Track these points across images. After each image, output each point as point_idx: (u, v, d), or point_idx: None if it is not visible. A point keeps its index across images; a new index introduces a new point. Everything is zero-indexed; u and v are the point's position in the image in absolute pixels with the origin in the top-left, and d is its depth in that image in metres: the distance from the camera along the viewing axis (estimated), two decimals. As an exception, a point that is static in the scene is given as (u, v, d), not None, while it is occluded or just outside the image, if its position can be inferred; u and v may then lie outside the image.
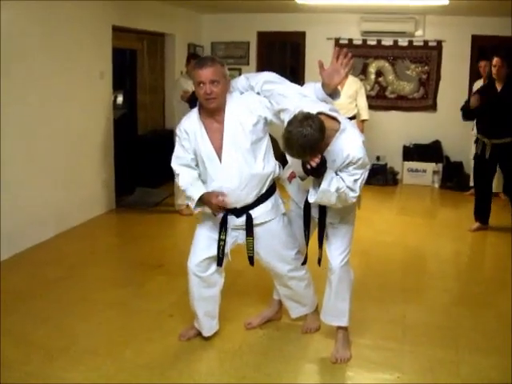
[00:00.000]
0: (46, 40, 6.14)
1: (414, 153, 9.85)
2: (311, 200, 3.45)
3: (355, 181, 3.41)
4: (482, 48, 9.62)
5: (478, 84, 8.69)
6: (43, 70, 6.14)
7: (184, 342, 4.05)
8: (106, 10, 7.23)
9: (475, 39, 9.54)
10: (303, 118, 3.15)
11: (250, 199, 3.72)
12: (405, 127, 10.00)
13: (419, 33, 9.75)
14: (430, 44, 9.81)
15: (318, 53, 9.79)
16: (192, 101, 7.00)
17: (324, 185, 3.32)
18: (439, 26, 9.63)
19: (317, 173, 3.30)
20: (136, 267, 5.62)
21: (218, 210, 3.69)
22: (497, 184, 8.54)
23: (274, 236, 3.83)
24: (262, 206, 3.78)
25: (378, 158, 9.93)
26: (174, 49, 9.41)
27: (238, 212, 3.75)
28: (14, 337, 4.08)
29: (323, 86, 3.59)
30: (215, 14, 10.23)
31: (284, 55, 10.67)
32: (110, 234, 7.11)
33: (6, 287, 4.97)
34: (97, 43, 7.16)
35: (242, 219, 3.76)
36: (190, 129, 3.67)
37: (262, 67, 10.54)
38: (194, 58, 7.67)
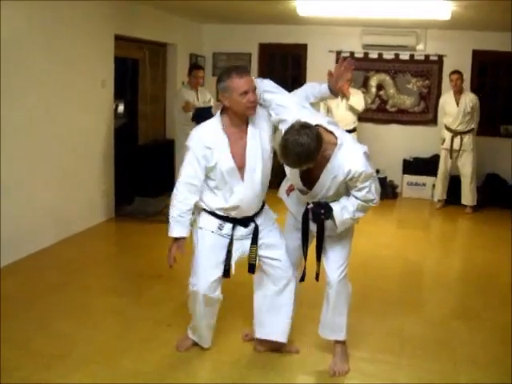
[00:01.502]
0: (48, 48, 6.15)
1: (413, 166, 9.85)
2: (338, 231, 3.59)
3: (367, 192, 3.45)
4: (482, 63, 9.67)
5: (446, 98, 8.80)
6: (45, 78, 6.15)
7: (182, 352, 4.03)
8: (108, 20, 7.26)
9: (476, 54, 9.58)
10: (300, 127, 3.17)
11: (259, 207, 3.79)
12: (405, 141, 10.01)
13: (420, 47, 9.78)
14: (431, 58, 9.84)
15: (319, 65, 9.84)
16: (199, 116, 7.01)
17: (338, 219, 3.49)
18: (440, 41, 9.67)
19: (322, 218, 3.50)
20: (134, 276, 5.61)
21: (169, 259, 3.95)
22: (466, 198, 8.70)
23: None
24: (262, 213, 3.84)
25: (377, 171, 9.84)
26: (176, 59, 9.44)
27: (245, 221, 3.75)
28: (12, 343, 4.07)
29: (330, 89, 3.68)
30: (217, 24, 10.26)
31: (285, 67, 10.70)
32: (109, 243, 7.11)
33: (5, 294, 4.96)
34: (99, 52, 7.19)
35: (249, 228, 3.77)
36: (212, 143, 3.57)
37: (263, 78, 10.55)
38: (196, 68, 7.71)
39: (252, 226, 3.78)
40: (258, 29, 10.14)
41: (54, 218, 6.46)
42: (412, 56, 9.92)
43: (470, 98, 8.63)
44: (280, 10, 8.12)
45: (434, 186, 9.33)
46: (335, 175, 3.40)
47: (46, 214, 6.31)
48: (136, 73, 8.86)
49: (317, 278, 3.79)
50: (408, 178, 9.85)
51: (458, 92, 8.67)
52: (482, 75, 9.79)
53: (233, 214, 3.71)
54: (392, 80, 10.10)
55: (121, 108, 8.77)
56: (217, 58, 10.61)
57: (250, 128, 3.61)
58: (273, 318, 3.93)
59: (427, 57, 9.86)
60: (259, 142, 3.62)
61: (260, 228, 3.79)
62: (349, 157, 3.37)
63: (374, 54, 10.03)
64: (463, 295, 5.53)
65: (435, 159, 9.28)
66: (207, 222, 3.77)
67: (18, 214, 5.85)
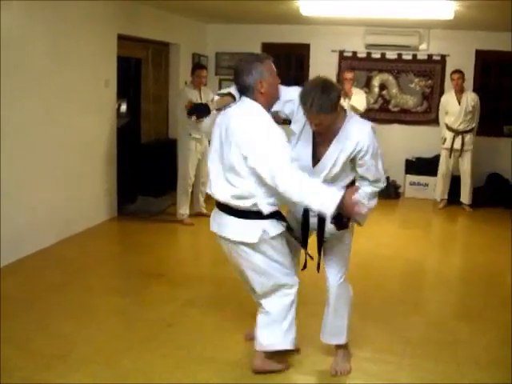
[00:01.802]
0: (51, 48, 6.16)
1: (416, 166, 9.85)
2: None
3: (376, 171, 3.54)
4: (485, 62, 9.65)
5: (447, 97, 8.82)
6: (48, 78, 6.16)
7: (184, 353, 4.02)
8: (111, 19, 7.26)
9: (479, 54, 9.57)
10: (326, 79, 3.31)
11: None
12: (407, 141, 10.00)
13: (423, 47, 9.78)
14: (434, 58, 9.83)
15: (322, 65, 9.86)
16: (198, 110, 7.04)
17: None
18: (443, 40, 9.66)
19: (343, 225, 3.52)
20: (136, 276, 5.62)
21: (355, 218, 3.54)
22: (464, 196, 8.75)
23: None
24: None
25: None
26: (179, 58, 9.44)
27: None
28: (13, 343, 4.07)
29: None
30: (220, 24, 10.26)
31: (288, 67, 10.68)
32: (112, 242, 7.11)
33: (6, 293, 4.97)
34: (102, 51, 7.19)
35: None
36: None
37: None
38: (200, 68, 7.71)
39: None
40: (260, 28, 10.14)
41: (56, 217, 6.46)
42: (415, 56, 9.92)
43: (471, 98, 8.66)
44: (283, 9, 8.12)
45: (436, 185, 9.34)
46: (343, 148, 3.43)
47: (47, 213, 6.32)
48: (139, 72, 8.86)
49: (318, 269, 3.76)
50: (410, 177, 9.85)
51: (460, 91, 8.72)
52: (485, 75, 9.77)
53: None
54: (395, 80, 10.09)
55: (123, 107, 8.77)
56: (220, 58, 10.61)
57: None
58: None
59: (430, 56, 9.85)
60: None
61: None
62: (356, 129, 3.44)
63: (376, 54, 10.02)
64: (465, 295, 5.53)
65: (438, 159, 9.27)
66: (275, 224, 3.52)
67: (19, 213, 5.86)
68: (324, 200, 3.16)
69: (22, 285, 5.24)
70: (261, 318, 3.74)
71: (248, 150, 3.30)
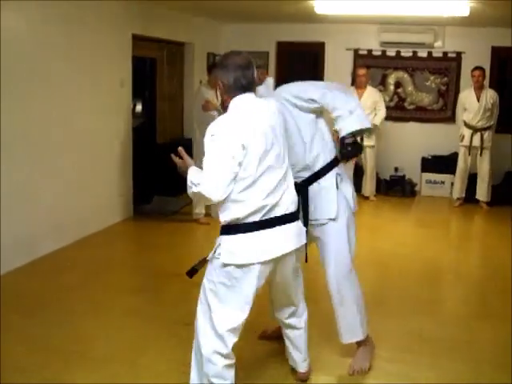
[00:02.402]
0: (66, 48, 6.19)
1: (432, 164, 9.80)
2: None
3: (335, 94, 3.55)
4: (501, 59, 9.59)
5: (466, 94, 8.77)
6: (63, 78, 6.19)
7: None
8: (126, 19, 7.28)
9: (495, 50, 9.50)
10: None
11: None
12: (423, 138, 9.95)
13: (438, 44, 9.73)
14: (450, 55, 9.78)
15: (337, 63, 9.85)
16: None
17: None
18: (459, 37, 9.60)
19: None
20: (153, 275, 5.63)
21: None
22: (481, 193, 8.71)
23: None
24: None
25: (396, 169, 9.89)
26: (194, 58, 9.45)
27: None
28: (30, 342, 4.10)
29: None
30: (235, 23, 10.26)
31: (303, 65, 10.66)
32: (128, 242, 7.13)
33: (24, 293, 5.01)
34: (117, 52, 7.22)
35: None
36: None
37: (281, 77, 10.53)
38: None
39: None
40: (275, 27, 10.12)
41: (72, 217, 6.49)
42: (430, 53, 9.87)
43: (490, 95, 8.63)
44: (298, 8, 8.10)
45: (452, 183, 9.30)
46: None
47: (63, 214, 6.34)
48: (154, 72, 8.87)
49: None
50: (426, 175, 9.79)
51: (479, 88, 8.68)
52: (501, 72, 9.70)
53: None
54: (410, 77, 10.05)
55: (139, 107, 8.79)
56: (234, 57, 10.60)
57: None
58: None
59: (445, 54, 9.80)
60: None
61: None
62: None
63: (391, 52, 9.98)
64: (483, 293, 5.49)
65: (454, 157, 9.23)
66: None
67: (35, 214, 5.90)
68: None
69: (39, 284, 5.27)
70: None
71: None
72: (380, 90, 9.55)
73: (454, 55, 9.76)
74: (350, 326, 3.82)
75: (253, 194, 3.00)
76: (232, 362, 3.20)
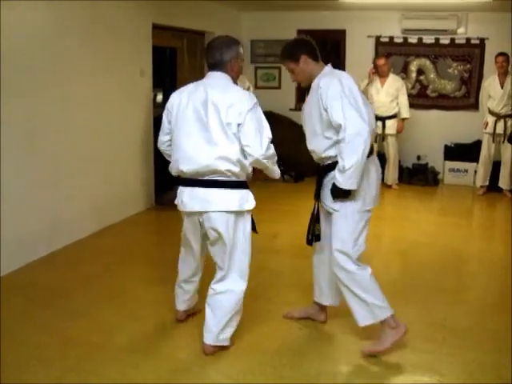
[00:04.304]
0: (87, 38, 6.21)
1: (455, 152, 9.71)
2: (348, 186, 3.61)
3: (337, 115, 3.55)
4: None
5: (490, 81, 8.67)
6: (84, 68, 6.21)
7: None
8: (146, 9, 7.28)
9: (519, 37, 9.37)
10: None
11: None
12: (446, 126, 9.87)
13: (461, 30, 9.62)
14: (473, 42, 9.67)
15: (358, 51, 9.78)
16: None
17: (339, 179, 3.62)
18: (482, 24, 9.49)
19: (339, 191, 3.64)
20: (174, 265, 5.61)
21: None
22: (504, 181, 8.64)
23: None
24: None
25: (418, 158, 9.82)
26: (214, 47, 9.40)
27: None
28: (51, 333, 4.13)
29: None
30: (255, 11, 10.23)
31: (324, 53, 10.47)
32: (149, 232, 7.15)
33: (45, 283, 5.04)
34: (137, 41, 7.22)
35: None
36: None
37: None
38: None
39: None
40: (296, 15, 10.08)
41: (94, 206, 6.52)
42: (453, 40, 9.76)
43: None
44: (318, -5, 8.05)
45: (475, 172, 9.22)
46: (313, 100, 3.73)
47: (85, 203, 6.38)
48: (174, 61, 8.86)
49: (309, 242, 3.98)
50: (449, 164, 9.72)
51: (503, 74, 8.59)
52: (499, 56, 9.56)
53: None
54: (432, 65, 9.95)
55: (159, 97, 8.79)
56: (255, 46, 10.60)
57: None
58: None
59: (468, 40, 9.68)
60: None
61: None
62: (323, 80, 3.73)
63: (413, 39, 9.89)
64: (506, 283, 5.42)
65: (477, 145, 9.15)
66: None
67: (57, 204, 5.93)
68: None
69: (60, 274, 5.31)
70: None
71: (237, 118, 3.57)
72: (402, 78, 9.48)
73: (477, 41, 9.64)
74: (361, 310, 3.82)
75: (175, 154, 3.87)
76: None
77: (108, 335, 4.12)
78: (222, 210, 3.68)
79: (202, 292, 4.14)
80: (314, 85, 3.81)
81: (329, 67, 3.91)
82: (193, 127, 3.65)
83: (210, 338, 3.81)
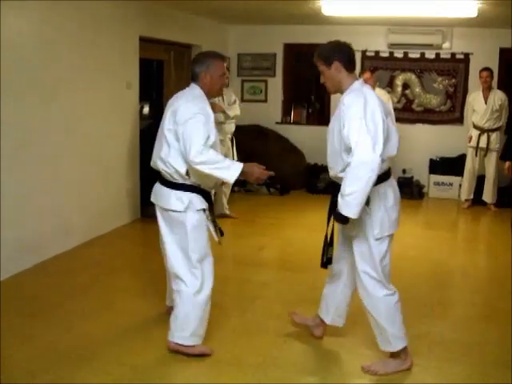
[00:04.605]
0: (73, 50, 6.20)
1: (440, 166, 9.78)
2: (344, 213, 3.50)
3: (352, 138, 3.41)
4: (509, 61, 9.57)
5: (474, 96, 8.76)
6: (71, 80, 6.20)
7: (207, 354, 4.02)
8: (133, 21, 7.29)
9: (503, 52, 9.49)
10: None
11: None
12: (431, 140, 9.94)
13: (446, 45, 9.71)
14: (458, 57, 9.76)
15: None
16: None
17: (340, 205, 3.49)
18: (467, 39, 9.59)
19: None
20: (160, 277, 5.60)
21: (258, 181, 3.98)
22: (488, 195, 8.71)
23: None
24: None
25: (404, 171, 9.87)
26: (201, 60, 9.43)
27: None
28: (38, 344, 4.10)
29: None
30: (242, 25, 10.27)
31: (310, 67, 10.64)
32: (135, 244, 7.13)
33: (32, 295, 5.02)
34: (124, 54, 7.23)
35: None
36: (210, 111, 3.93)
37: (288, 79, 10.56)
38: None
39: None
40: (282, 29, 10.14)
41: (80, 219, 6.50)
42: (438, 54, 9.85)
43: (498, 96, 8.61)
44: (304, 10, 8.10)
45: (460, 185, 9.28)
46: (337, 114, 3.62)
47: (71, 216, 6.35)
48: (161, 74, 8.88)
49: (323, 265, 3.89)
50: (435, 177, 9.77)
51: (487, 89, 8.68)
52: (509, 73, 9.67)
53: (211, 186, 4.05)
54: (418, 79, 10.03)
55: (146, 109, 8.81)
56: (242, 59, 10.63)
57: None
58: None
59: (453, 55, 9.78)
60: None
61: None
62: (348, 95, 3.64)
63: (399, 53, 9.97)
64: (491, 296, 5.45)
65: (462, 159, 9.21)
66: (199, 201, 3.95)
67: (43, 216, 5.90)
68: (227, 170, 3.73)
69: (47, 286, 5.28)
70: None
71: (179, 128, 3.81)
72: (388, 92, 9.53)
73: (461, 56, 9.74)
74: (379, 336, 3.84)
75: None
76: None
77: (95, 347, 4.09)
78: (162, 206, 4.01)
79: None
80: (340, 99, 3.69)
81: (359, 82, 3.72)
82: (160, 131, 4.07)
83: (169, 334, 3.98)
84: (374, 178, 3.37)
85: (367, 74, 8.75)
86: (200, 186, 3.92)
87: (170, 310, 4.28)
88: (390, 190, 3.74)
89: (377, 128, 3.41)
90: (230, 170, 3.75)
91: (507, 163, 7.23)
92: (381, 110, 3.49)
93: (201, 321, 3.95)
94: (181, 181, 3.89)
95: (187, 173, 3.85)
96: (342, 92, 3.73)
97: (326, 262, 3.87)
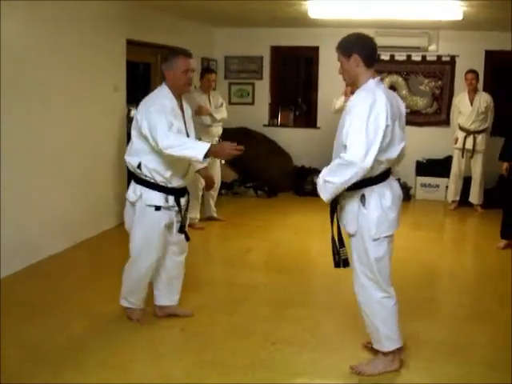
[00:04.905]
0: (60, 53, 6.19)
1: (427, 168, 9.83)
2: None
3: (355, 136, 3.39)
4: (495, 63, 9.63)
5: (460, 98, 8.81)
6: (57, 83, 6.18)
7: (195, 357, 4.01)
8: (120, 24, 7.29)
9: (488, 54, 9.55)
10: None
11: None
12: (418, 142, 9.93)
13: (433, 48, 9.76)
14: (444, 59, 9.82)
15: (331, 67, 9.78)
16: None
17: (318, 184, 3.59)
18: (453, 41, 9.65)
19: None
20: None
21: (229, 156, 4.05)
22: (475, 196, 8.76)
23: None
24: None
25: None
26: (188, 63, 9.44)
27: (182, 192, 4.32)
28: (25, 348, 4.08)
29: None
30: (229, 28, 10.27)
31: (298, 69, 10.70)
32: (122, 247, 7.04)
33: (19, 299, 4.99)
34: (111, 57, 7.22)
35: (185, 199, 4.36)
36: (169, 104, 4.14)
37: (275, 81, 10.57)
38: (208, 72, 7.71)
39: (187, 196, 4.39)
40: (269, 32, 10.15)
41: (67, 222, 6.47)
42: (424, 57, 9.91)
43: (484, 98, 8.67)
44: (291, 12, 8.12)
45: (447, 187, 9.32)
46: (347, 109, 3.61)
47: (58, 219, 6.33)
48: (148, 77, 8.87)
49: (336, 265, 3.78)
50: (421, 179, 9.82)
51: (473, 91, 8.73)
52: (494, 75, 9.73)
53: (174, 183, 4.19)
54: (404, 81, 10.08)
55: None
56: (229, 62, 10.64)
57: (184, 102, 4.35)
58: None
59: (439, 57, 9.85)
60: (190, 117, 4.40)
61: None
62: (359, 93, 3.63)
63: (385, 56, 10.00)
64: (478, 297, 5.48)
65: (449, 160, 9.26)
66: (153, 197, 4.18)
67: (29, 219, 5.89)
68: (195, 149, 3.88)
69: (34, 290, 5.26)
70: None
71: (142, 125, 4.06)
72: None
73: (447, 59, 9.80)
74: (372, 333, 3.87)
75: None
76: None
77: (82, 351, 4.08)
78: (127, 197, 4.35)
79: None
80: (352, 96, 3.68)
81: (374, 81, 3.68)
82: None
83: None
84: (354, 179, 3.40)
85: None
86: (157, 182, 4.14)
87: (162, 311, 4.34)
88: (388, 190, 3.72)
89: (376, 134, 3.40)
90: (197, 148, 3.90)
91: (505, 164, 7.27)
92: (387, 115, 3.46)
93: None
94: (137, 174, 4.22)
95: (139, 166, 4.15)
96: (357, 86, 3.71)
97: (342, 262, 3.75)
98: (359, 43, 3.77)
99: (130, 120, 8.11)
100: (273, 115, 10.71)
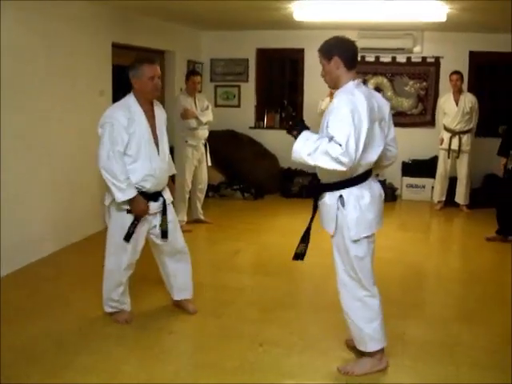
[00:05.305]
0: (46, 57, 6.19)
1: (412, 169, 9.87)
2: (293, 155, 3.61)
3: (338, 129, 3.42)
4: (479, 64, 9.69)
5: (445, 99, 8.87)
6: (42, 88, 6.17)
7: (184, 360, 4.03)
8: (106, 28, 7.28)
9: (473, 55, 9.62)
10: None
11: (167, 181, 4.57)
12: (403, 143, 9.84)
13: (417, 49, 9.81)
14: (428, 60, 9.88)
15: (316, 69, 9.79)
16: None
17: (297, 143, 3.57)
18: (437, 43, 9.70)
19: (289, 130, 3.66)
20: (135, 284, 5.59)
21: (141, 215, 4.34)
22: (460, 196, 8.82)
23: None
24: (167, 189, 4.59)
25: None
26: (174, 66, 9.47)
27: (155, 196, 4.41)
28: (14, 353, 4.08)
29: None
30: (214, 31, 10.29)
31: (283, 72, 10.73)
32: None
33: (7, 303, 4.97)
34: (97, 60, 7.21)
35: (159, 203, 4.45)
36: (131, 113, 4.24)
37: (260, 84, 10.59)
38: (194, 74, 7.72)
39: (161, 200, 4.45)
40: (255, 34, 10.18)
41: (55, 225, 6.47)
42: (409, 58, 9.96)
43: (468, 99, 8.73)
44: (276, 15, 8.13)
45: (433, 187, 9.37)
46: (329, 109, 3.63)
47: (46, 222, 6.33)
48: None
49: (294, 258, 3.94)
50: (407, 180, 9.87)
51: (458, 92, 8.80)
52: (478, 76, 9.80)
53: (147, 186, 4.31)
54: (389, 83, 10.13)
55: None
56: (214, 64, 10.65)
57: (155, 108, 4.45)
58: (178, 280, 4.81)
59: (424, 59, 9.90)
60: (163, 122, 4.51)
61: (167, 202, 4.52)
62: (339, 93, 3.69)
63: (370, 57, 10.04)
64: (464, 297, 5.53)
65: (434, 161, 9.31)
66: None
67: (18, 223, 5.87)
68: (120, 191, 4.28)
69: (22, 294, 5.25)
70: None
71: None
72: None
73: (432, 60, 9.86)
74: (355, 335, 3.89)
75: None
76: None
77: (71, 355, 4.08)
78: None
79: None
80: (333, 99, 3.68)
81: (353, 83, 3.69)
82: None
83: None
84: (326, 166, 3.43)
85: None
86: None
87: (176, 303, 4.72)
88: (367, 190, 3.75)
89: (360, 135, 3.43)
90: (123, 191, 4.20)
91: (503, 159, 7.34)
92: (367, 116, 3.48)
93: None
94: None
95: None
96: (338, 88, 3.75)
97: (296, 256, 3.92)
98: (340, 46, 3.79)
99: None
100: (259, 117, 10.74)
